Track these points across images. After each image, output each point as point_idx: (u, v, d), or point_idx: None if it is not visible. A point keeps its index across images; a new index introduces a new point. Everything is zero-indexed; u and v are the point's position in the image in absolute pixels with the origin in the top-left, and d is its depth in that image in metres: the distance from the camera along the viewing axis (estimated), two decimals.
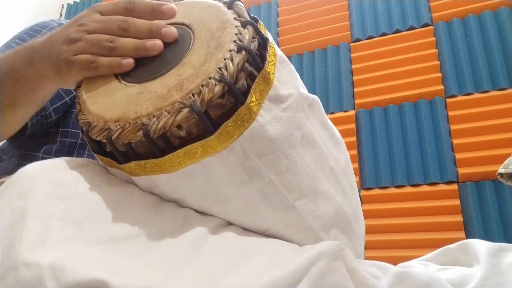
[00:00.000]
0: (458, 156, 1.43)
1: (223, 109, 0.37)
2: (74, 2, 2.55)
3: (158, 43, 0.40)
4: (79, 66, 0.40)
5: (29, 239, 0.31)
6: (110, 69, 0.40)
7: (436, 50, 1.58)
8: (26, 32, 0.68)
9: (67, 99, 0.66)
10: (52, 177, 0.37)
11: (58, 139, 0.66)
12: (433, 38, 1.61)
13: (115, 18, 0.42)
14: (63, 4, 2.56)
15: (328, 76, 1.74)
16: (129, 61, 0.40)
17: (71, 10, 2.52)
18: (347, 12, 1.81)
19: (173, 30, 0.41)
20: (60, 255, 0.31)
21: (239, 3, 0.42)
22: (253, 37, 0.40)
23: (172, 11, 0.42)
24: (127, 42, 0.41)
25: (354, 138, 1.61)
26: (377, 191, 1.51)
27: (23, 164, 0.38)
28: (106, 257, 0.32)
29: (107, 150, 0.40)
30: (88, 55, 0.40)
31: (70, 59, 0.41)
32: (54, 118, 0.64)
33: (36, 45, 0.45)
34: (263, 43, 0.40)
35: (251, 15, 0.42)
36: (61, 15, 2.53)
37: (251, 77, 0.38)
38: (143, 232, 0.36)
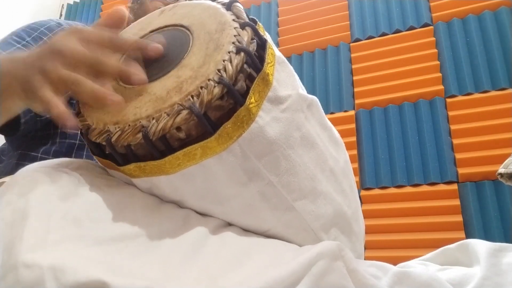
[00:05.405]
0: (458, 156, 1.43)
1: (222, 110, 0.37)
2: (74, 2, 2.55)
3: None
4: (40, 102, 0.37)
5: (30, 239, 0.31)
6: (57, 117, 0.37)
7: (436, 50, 1.58)
8: (23, 29, 0.68)
9: None
10: (52, 178, 0.37)
11: (57, 140, 0.66)
12: (433, 38, 1.60)
13: (89, 56, 0.38)
14: (63, 4, 2.56)
15: (328, 76, 1.74)
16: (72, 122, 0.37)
17: (71, 10, 2.52)
18: (347, 12, 1.81)
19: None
20: (60, 255, 0.31)
21: (238, 4, 0.42)
22: (252, 39, 0.39)
23: (156, 50, 0.40)
24: (88, 87, 0.37)
25: (354, 138, 1.60)
26: (377, 191, 1.51)
27: (23, 164, 0.38)
28: (107, 257, 0.32)
29: (107, 152, 0.40)
30: (51, 93, 0.37)
31: (36, 91, 0.37)
32: (48, 116, 0.64)
33: (4, 62, 0.41)
34: (262, 45, 0.40)
35: (250, 16, 0.42)
36: (61, 15, 2.52)
37: (250, 79, 0.38)
38: (144, 233, 0.36)
